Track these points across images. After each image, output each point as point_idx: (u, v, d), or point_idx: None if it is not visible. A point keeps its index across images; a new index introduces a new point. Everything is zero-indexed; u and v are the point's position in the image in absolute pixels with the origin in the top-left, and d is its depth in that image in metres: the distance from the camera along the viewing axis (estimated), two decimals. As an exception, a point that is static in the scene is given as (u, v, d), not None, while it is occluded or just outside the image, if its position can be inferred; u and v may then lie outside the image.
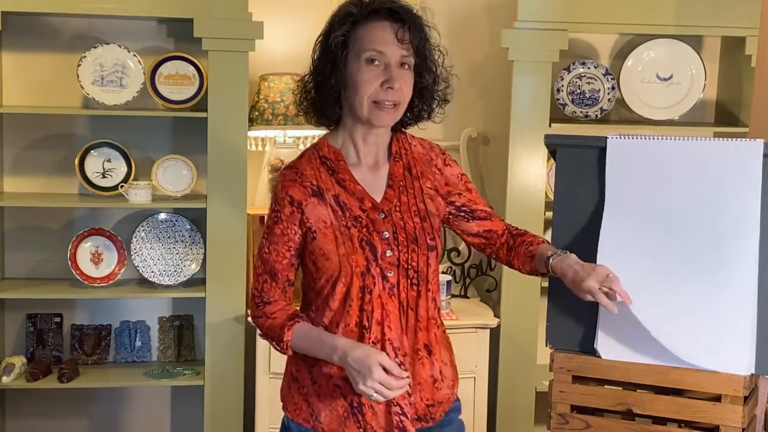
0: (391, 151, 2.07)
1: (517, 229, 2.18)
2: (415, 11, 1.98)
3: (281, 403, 2.10)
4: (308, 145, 3.54)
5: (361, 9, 1.95)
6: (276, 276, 2.00)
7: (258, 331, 2.05)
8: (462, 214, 2.14)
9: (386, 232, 1.97)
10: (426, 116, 2.08)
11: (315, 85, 2.01)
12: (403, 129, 2.10)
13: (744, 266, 1.92)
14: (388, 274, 1.96)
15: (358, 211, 1.97)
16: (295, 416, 2.03)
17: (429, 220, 2.04)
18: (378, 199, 2.01)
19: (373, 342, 1.94)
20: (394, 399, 1.94)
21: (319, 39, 2.01)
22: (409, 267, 1.98)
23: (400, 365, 1.92)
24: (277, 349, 2.01)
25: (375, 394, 1.84)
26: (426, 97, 2.05)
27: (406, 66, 1.96)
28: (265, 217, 2.06)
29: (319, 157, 2.02)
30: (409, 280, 1.98)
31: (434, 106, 2.08)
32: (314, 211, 1.96)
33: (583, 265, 1.94)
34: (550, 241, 2.10)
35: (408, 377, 1.88)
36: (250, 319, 2.02)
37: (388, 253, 1.96)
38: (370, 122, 1.97)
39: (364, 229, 1.96)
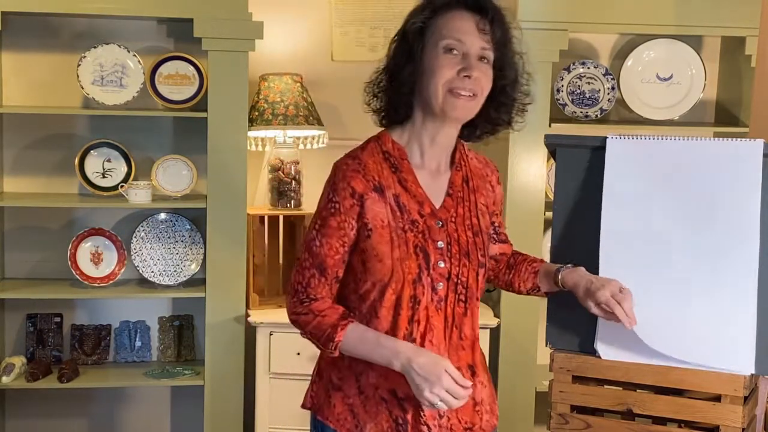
0: (454, 158, 1.98)
1: (517, 251, 2.17)
2: (498, 5, 1.90)
3: (314, 410, 2.00)
4: (308, 145, 3.56)
5: None
6: (326, 271, 1.88)
7: (300, 330, 1.93)
8: (494, 235, 2.11)
9: (441, 242, 1.89)
10: (505, 122, 1.98)
11: (389, 79, 1.91)
12: (476, 137, 2.00)
13: (744, 266, 1.92)
14: (438, 286, 1.88)
15: (416, 215, 1.88)
16: (339, 426, 1.93)
17: (481, 236, 1.96)
18: (437, 206, 1.92)
19: None
20: (422, 417, 1.88)
21: (398, 33, 1.93)
22: (459, 282, 1.90)
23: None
24: (321, 349, 1.91)
25: (439, 402, 1.78)
26: (505, 101, 1.94)
27: (485, 60, 1.87)
28: (318, 207, 1.91)
29: (383, 152, 1.92)
30: (457, 296, 1.91)
31: (513, 113, 1.97)
32: (373, 207, 1.86)
33: (598, 277, 1.94)
34: (550, 242, 2.10)
35: (471, 386, 1.83)
36: (278, 313, 1.88)
37: (441, 264, 1.88)
38: (444, 113, 1.87)
39: (420, 235, 1.87)
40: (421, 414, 1.88)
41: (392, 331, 1.87)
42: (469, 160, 2.02)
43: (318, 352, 1.98)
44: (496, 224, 2.11)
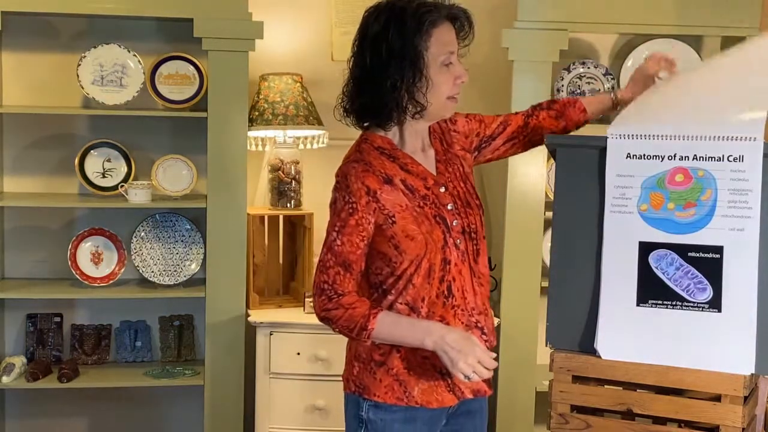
0: (430, 131, 2.17)
1: (540, 104, 2.33)
2: (465, 9, 2.12)
3: (358, 392, 2.10)
4: (308, 145, 3.56)
5: (436, 13, 2.03)
6: (350, 267, 2.03)
7: (331, 325, 2.05)
8: (485, 144, 2.27)
9: (450, 204, 2.08)
10: None
11: (389, 85, 2.01)
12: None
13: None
14: (458, 242, 2.07)
15: (424, 191, 2.07)
16: (387, 398, 2.07)
17: (469, 181, 2.17)
18: (435, 175, 2.11)
19: (453, 307, 2.05)
20: None
21: (384, 36, 2.01)
22: (471, 230, 2.10)
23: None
24: (353, 339, 2.06)
25: (472, 373, 1.94)
26: None
27: None
28: (333, 210, 2.05)
29: (376, 148, 2.08)
30: (473, 243, 2.10)
31: None
32: (389, 197, 2.03)
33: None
34: (550, 242, 2.12)
35: (495, 358, 2.01)
36: (312, 311, 2.01)
37: (455, 222, 2.07)
38: (441, 116, 2.11)
39: (433, 205, 2.06)
40: None
41: (427, 294, 2.04)
42: (437, 124, 2.20)
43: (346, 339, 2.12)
44: (479, 140, 2.25)
